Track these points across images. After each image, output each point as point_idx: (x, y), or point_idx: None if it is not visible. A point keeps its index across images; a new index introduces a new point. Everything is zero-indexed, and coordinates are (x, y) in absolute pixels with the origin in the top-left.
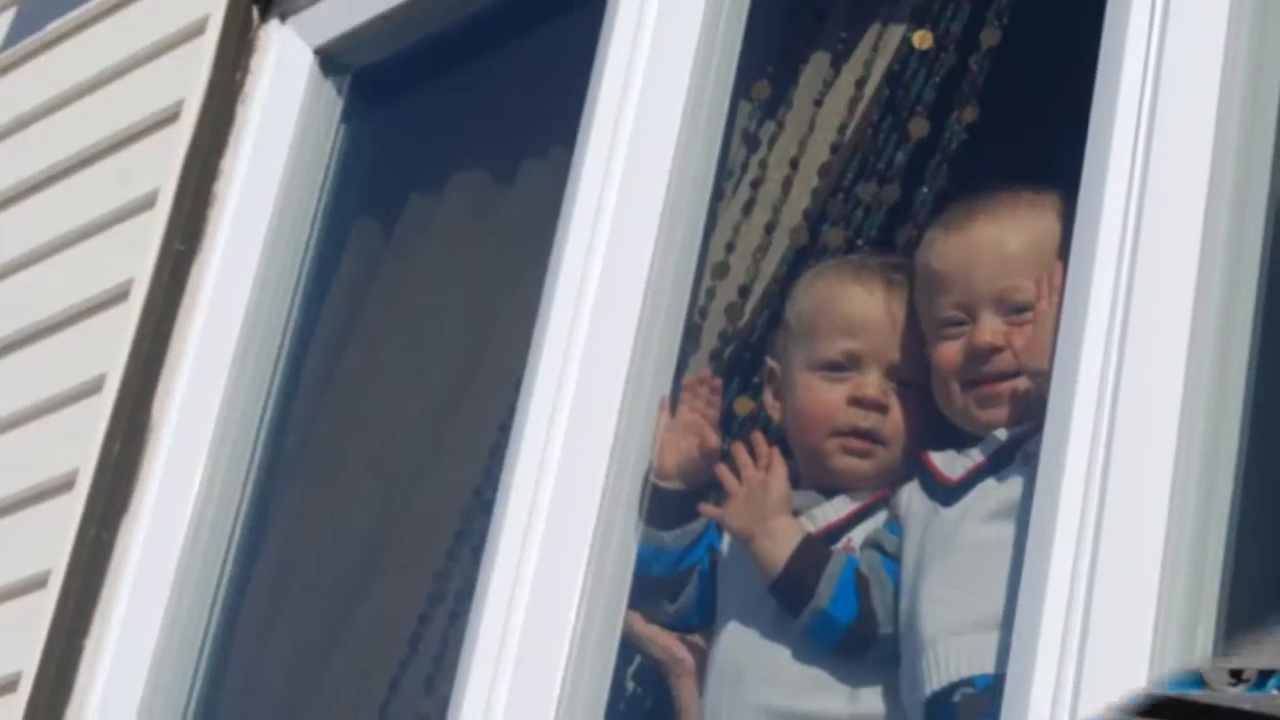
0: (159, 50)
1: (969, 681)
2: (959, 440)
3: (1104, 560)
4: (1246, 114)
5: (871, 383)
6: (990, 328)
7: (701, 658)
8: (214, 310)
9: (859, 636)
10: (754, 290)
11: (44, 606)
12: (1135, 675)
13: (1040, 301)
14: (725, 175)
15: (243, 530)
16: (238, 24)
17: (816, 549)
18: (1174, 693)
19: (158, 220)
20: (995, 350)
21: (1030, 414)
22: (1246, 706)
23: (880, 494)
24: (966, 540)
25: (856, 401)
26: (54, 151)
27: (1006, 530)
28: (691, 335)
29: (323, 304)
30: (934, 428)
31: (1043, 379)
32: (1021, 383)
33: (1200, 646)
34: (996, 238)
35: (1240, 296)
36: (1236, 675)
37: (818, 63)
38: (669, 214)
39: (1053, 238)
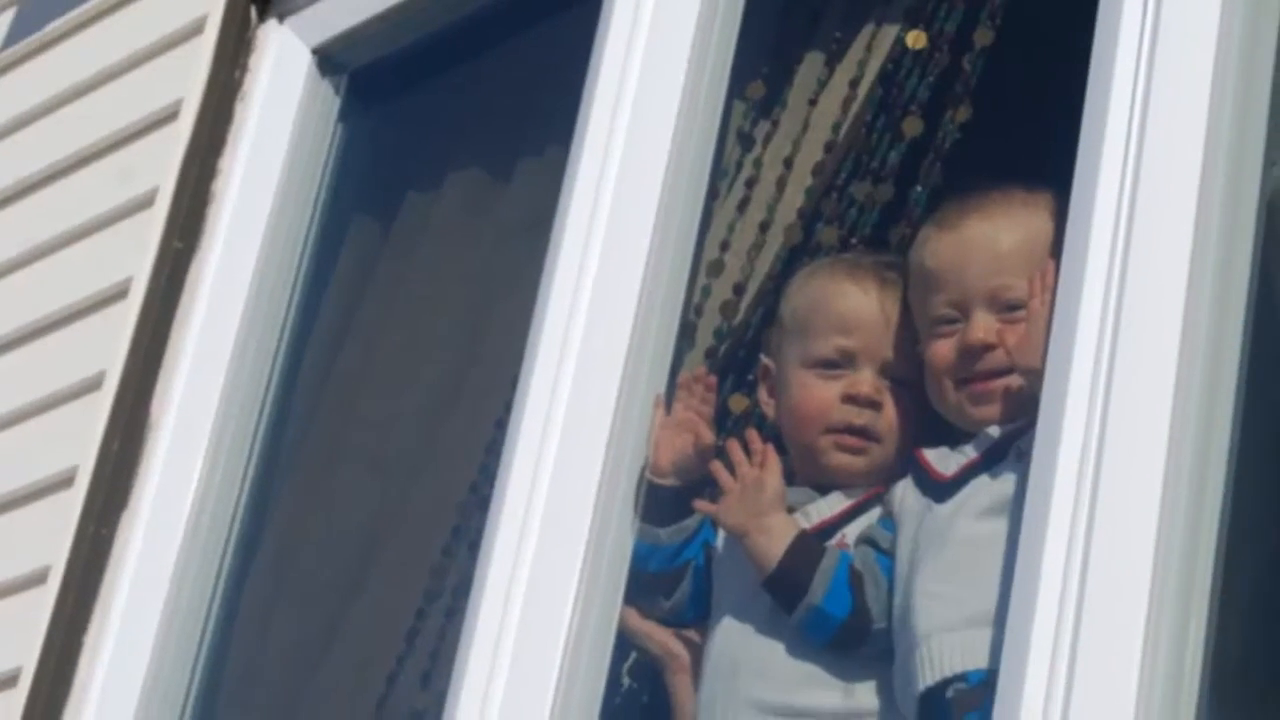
0: (158, 50)
1: (962, 677)
2: (952, 437)
3: (1096, 556)
4: (1238, 112)
5: (865, 380)
6: (983, 325)
7: (697, 653)
8: (213, 308)
9: (853, 632)
10: (749, 288)
11: (44, 602)
12: (1127, 671)
13: (1033, 299)
14: (720, 174)
15: (241, 526)
16: (236, 24)
17: (811, 545)
18: None
19: (157, 218)
20: (988, 348)
21: (1023, 411)
22: None
23: (874, 490)
24: (960, 536)
25: (850, 399)
26: (54, 150)
27: (999, 526)
28: (687, 333)
29: (321, 301)
30: (927, 425)
31: (1035, 376)
32: (1014, 380)
33: (1192, 642)
34: (989, 236)
35: (1232, 294)
36: None
37: (812, 62)
38: (664, 212)
39: (1045, 236)
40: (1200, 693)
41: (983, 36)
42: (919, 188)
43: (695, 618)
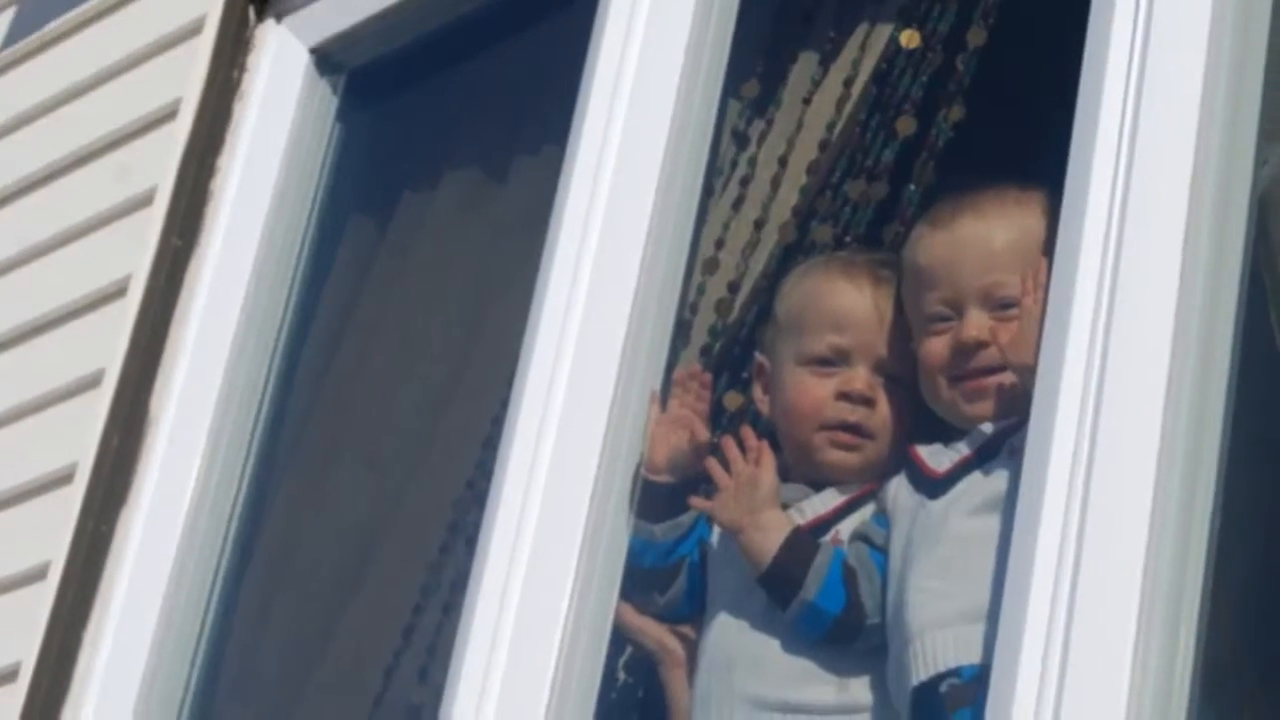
0: (156, 49)
1: (955, 672)
2: (945, 434)
3: (1088, 553)
4: (1229, 111)
5: (859, 377)
6: (976, 323)
7: (691, 649)
8: (211, 305)
9: (847, 628)
10: (743, 286)
11: (43, 597)
12: (1119, 665)
13: (1026, 297)
14: (715, 172)
15: (240, 522)
16: (234, 23)
17: (805, 542)
18: None
19: (156, 217)
20: (981, 345)
21: (1015, 408)
22: None
23: (868, 487)
24: (953, 533)
25: (844, 396)
26: (53, 149)
27: (992, 523)
28: (682, 330)
29: (319, 299)
30: (921, 422)
31: (1028, 373)
32: (1007, 377)
33: (1184, 636)
34: (983, 234)
35: (1223, 292)
36: None
37: (806, 62)
38: (660, 211)
39: (1038, 234)
40: (1192, 687)
41: (976, 36)
42: (913, 186)
43: (690, 613)
